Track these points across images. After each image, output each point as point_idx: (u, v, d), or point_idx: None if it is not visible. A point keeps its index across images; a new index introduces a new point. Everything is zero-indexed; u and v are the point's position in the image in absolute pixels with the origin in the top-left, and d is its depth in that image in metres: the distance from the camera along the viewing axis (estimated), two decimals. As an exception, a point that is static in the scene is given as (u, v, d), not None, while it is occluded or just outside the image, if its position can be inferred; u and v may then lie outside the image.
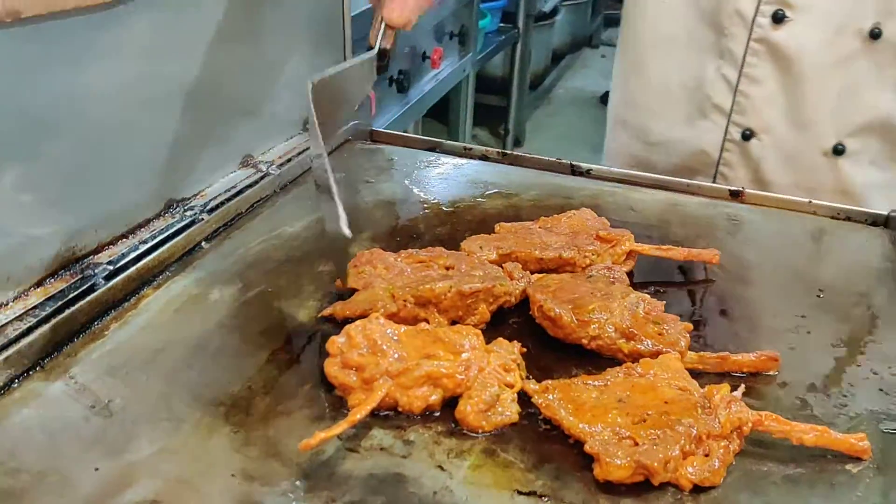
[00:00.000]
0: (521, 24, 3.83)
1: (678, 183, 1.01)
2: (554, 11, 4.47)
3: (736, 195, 0.99)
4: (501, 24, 3.75)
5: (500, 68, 4.01)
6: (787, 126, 1.07)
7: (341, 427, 0.57)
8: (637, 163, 1.17)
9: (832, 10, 1.00)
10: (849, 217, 0.96)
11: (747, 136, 1.09)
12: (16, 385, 0.63)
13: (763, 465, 0.58)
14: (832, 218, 0.96)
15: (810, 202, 0.98)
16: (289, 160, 0.96)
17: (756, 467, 0.58)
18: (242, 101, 0.91)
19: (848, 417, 0.63)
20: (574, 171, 1.04)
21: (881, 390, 0.67)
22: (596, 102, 4.64)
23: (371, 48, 0.77)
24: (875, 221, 0.95)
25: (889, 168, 1.08)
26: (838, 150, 1.06)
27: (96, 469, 0.56)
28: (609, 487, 0.56)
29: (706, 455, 0.57)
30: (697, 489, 0.55)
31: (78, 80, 0.68)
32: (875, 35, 1.00)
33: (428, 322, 0.69)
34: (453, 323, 0.71)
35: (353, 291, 0.72)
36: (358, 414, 0.58)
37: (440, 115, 3.48)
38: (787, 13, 1.01)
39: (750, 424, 0.58)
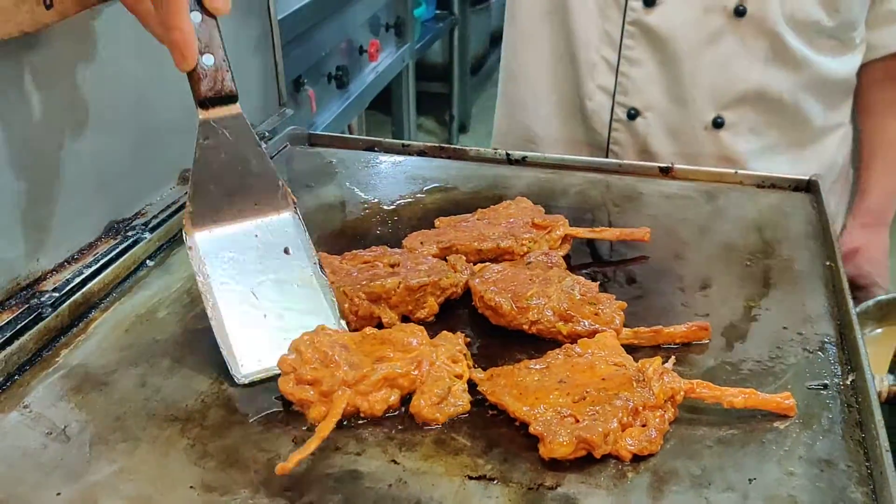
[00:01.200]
0: (456, 9, 3.84)
1: (610, 163, 1.04)
2: (490, -6, 4.47)
3: (666, 171, 1.03)
4: (437, 11, 3.76)
5: (440, 55, 4.02)
6: (668, 103, 1.14)
7: (313, 444, 0.58)
8: (528, 148, 1.21)
9: None
10: (773, 185, 1.01)
11: (632, 115, 1.14)
12: (-28, 417, 0.64)
13: (697, 430, 0.62)
14: (758, 186, 1.01)
15: (736, 173, 1.02)
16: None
17: (691, 432, 0.62)
18: (174, 118, 0.92)
19: (775, 377, 0.67)
20: (510, 160, 1.07)
21: (805, 349, 0.71)
22: (538, 82, 4.66)
23: None
24: (797, 187, 1.00)
25: (766, 134, 1.15)
26: (717, 123, 1.13)
27: (58, 494, 0.57)
28: (554, 464, 0.59)
29: (643, 425, 0.60)
30: (637, 458, 0.59)
31: (11, 108, 0.69)
32: (740, 12, 1.06)
33: (381, 318, 0.72)
34: (404, 318, 0.74)
35: None
36: (326, 430, 0.60)
37: (383, 106, 3.48)
38: None
39: (682, 393, 0.62)
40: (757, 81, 1.11)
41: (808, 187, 0.99)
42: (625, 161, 1.06)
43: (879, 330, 1.16)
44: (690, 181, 1.01)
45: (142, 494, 0.57)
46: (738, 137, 1.14)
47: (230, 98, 0.69)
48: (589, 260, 0.85)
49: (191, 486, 0.57)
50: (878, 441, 0.58)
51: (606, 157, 1.17)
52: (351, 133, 2.90)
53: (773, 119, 1.14)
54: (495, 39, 4.80)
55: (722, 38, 1.08)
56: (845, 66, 1.15)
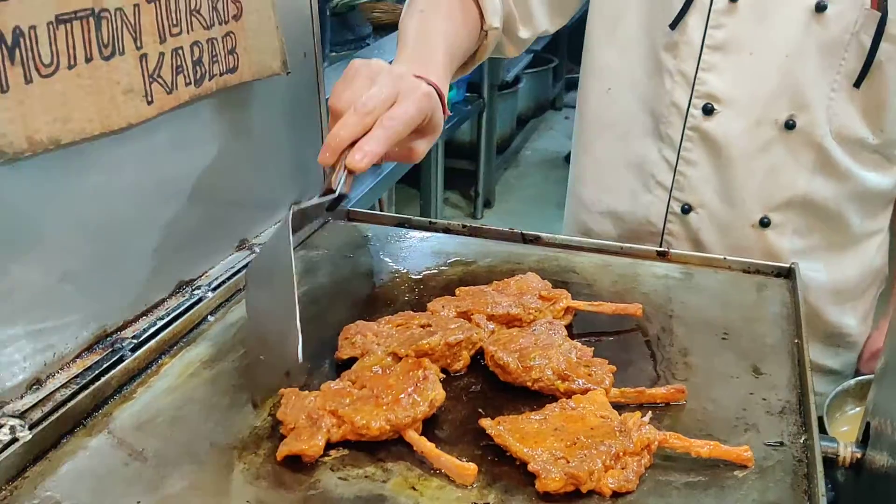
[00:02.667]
0: (485, 93, 4.04)
1: (612, 246, 1.18)
2: (517, 80, 4.70)
3: (663, 255, 1.16)
4: (467, 94, 3.96)
5: (468, 134, 4.22)
6: (719, 202, 1.23)
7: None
8: (591, 232, 1.34)
9: (752, 104, 1.17)
10: (758, 270, 1.13)
11: (686, 209, 1.25)
12: (65, 441, 0.77)
13: (669, 475, 0.74)
14: (744, 272, 1.13)
15: (725, 258, 1.15)
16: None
17: (663, 477, 0.73)
18: (236, 194, 1.07)
19: (739, 434, 0.79)
20: (524, 239, 1.20)
21: (767, 412, 0.82)
22: (561, 162, 4.86)
23: (331, 191, 0.85)
24: (779, 273, 1.12)
25: (809, 236, 1.25)
26: (764, 223, 1.22)
27: (138, 502, 0.70)
28: (547, 497, 0.70)
29: (623, 468, 0.72)
30: (616, 495, 0.70)
31: (108, 184, 0.84)
32: (790, 126, 1.16)
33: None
34: (443, 370, 0.86)
35: (350, 361, 0.87)
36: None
37: (412, 181, 3.66)
38: (716, 106, 1.18)
39: (657, 442, 0.74)
40: (803, 189, 1.20)
41: (787, 273, 1.12)
42: (625, 244, 1.19)
43: (859, 408, 1.26)
44: (683, 264, 1.14)
45: (206, 505, 0.70)
46: (783, 237, 1.23)
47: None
48: (588, 329, 0.98)
49: (247, 501, 0.70)
50: (818, 490, 0.70)
51: (661, 243, 1.28)
52: (381, 205, 3.07)
53: (815, 223, 1.24)
54: (521, 121, 5.02)
55: (772, 148, 1.18)
56: (887, 178, 1.24)
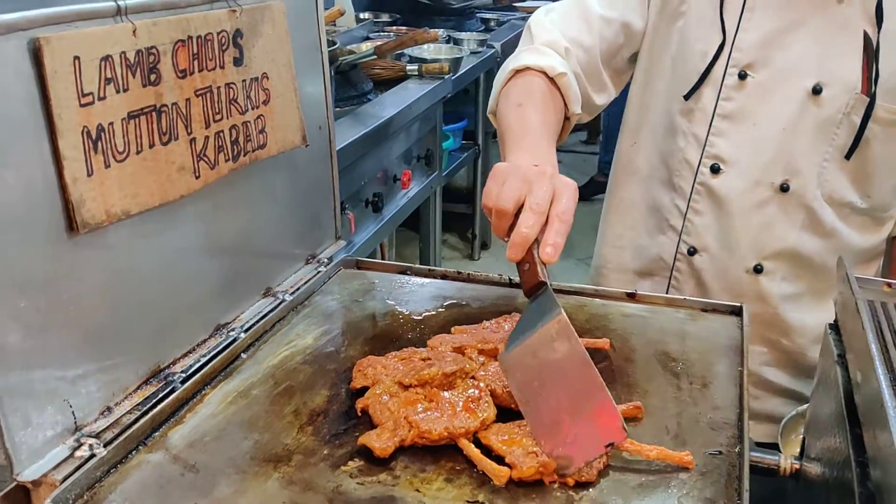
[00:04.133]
0: (480, 140, 4.24)
1: (587, 289, 1.35)
2: (510, 127, 4.88)
3: (631, 296, 1.34)
4: (463, 142, 4.16)
5: (464, 179, 4.42)
6: (719, 248, 1.42)
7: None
8: (614, 265, 1.57)
9: (753, 167, 1.36)
10: (714, 309, 1.31)
11: (692, 252, 1.45)
12: (131, 457, 0.94)
13: (625, 475, 0.90)
14: (701, 310, 1.31)
15: (685, 299, 1.32)
16: (297, 289, 1.29)
17: (620, 477, 0.90)
18: (262, 247, 1.25)
19: (685, 444, 0.96)
20: (512, 284, 1.38)
21: (710, 427, 0.99)
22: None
23: (541, 283, 0.97)
24: (733, 311, 1.30)
25: (797, 283, 1.43)
26: (758, 269, 1.41)
27: (195, 504, 0.87)
28: (524, 492, 0.87)
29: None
30: (578, 485, 0.87)
31: (164, 244, 1.02)
32: (784, 189, 1.36)
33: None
34: None
35: (362, 389, 1.04)
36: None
37: (412, 224, 3.83)
38: (722, 167, 1.38)
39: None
40: (792, 242, 1.38)
41: (739, 312, 1.29)
42: (599, 287, 1.37)
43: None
44: (649, 304, 1.32)
45: (250, 505, 0.86)
46: (773, 283, 1.42)
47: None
48: (564, 361, 1.15)
49: (283, 502, 0.87)
50: (744, 488, 0.87)
51: (668, 283, 1.49)
52: (383, 248, 3.26)
53: (803, 272, 1.41)
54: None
55: (767, 206, 1.37)
56: (872, 238, 1.41)
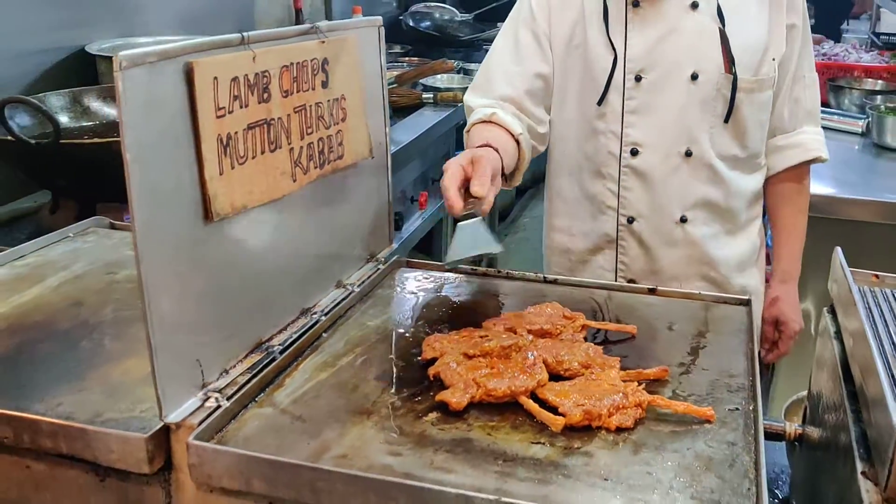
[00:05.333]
0: (489, 166, 4.40)
1: (612, 284, 1.55)
2: (515, 154, 5.09)
3: (652, 291, 1.53)
4: (473, 168, 4.33)
5: (472, 204, 4.58)
6: (651, 211, 1.78)
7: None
8: (565, 248, 1.90)
9: (662, 144, 1.73)
10: (725, 301, 1.50)
11: (630, 220, 1.80)
12: (246, 410, 1.12)
13: (658, 425, 1.09)
14: (714, 301, 1.50)
15: (700, 293, 1.52)
16: (363, 282, 1.48)
17: (655, 427, 1.09)
18: (335, 245, 1.44)
19: (708, 402, 1.15)
20: (545, 280, 1.58)
21: (727, 389, 1.19)
22: (557, 229, 5.22)
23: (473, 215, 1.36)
24: (741, 303, 1.49)
25: (713, 225, 1.81)
26: (683, 220, 1.78)
27: (308, 443, 1.05)
28: (576, 436, 1.06)
29: (623, 414, 1.08)
30: (619, 430, 1.06)
31: (269, 237, 1.21)
32: (688, 154, 1.73)
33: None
34: None
35: (432, 360, 1.23)
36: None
37: (425, 247, 4.01)
38: (639, 149, 1.75)
39: (647, 401, 1.10)
40: (703, 193, 1.76)
41: (746, 303, 1.49)
42: (625, 283, 1.57)
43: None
44: (667, 297, 1.51)
45: (353, 445, 1.04)
46: (696, 228, 1.79)
47: None
48: (598, 340, 1.34)
49: (380, 442, 1.05)
50: (759, 433, 1.06)
51: (616, 252, 1.82)
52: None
53: (716, 216, 1.79)
54: (520, 191, 5.43)
55: (679, 170, 1.74)
56: (755, 180, 1.83)
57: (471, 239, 1.39)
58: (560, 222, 1.92)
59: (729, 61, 1.68)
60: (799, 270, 1.92)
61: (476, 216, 1.36)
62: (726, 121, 1.71)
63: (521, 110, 1.76)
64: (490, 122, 1.68)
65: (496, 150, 1.49)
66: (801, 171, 1.86)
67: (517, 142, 1.67)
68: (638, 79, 1.71)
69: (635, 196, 1.77)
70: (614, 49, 1.71)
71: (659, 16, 1.69)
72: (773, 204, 1.90)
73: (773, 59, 1.73)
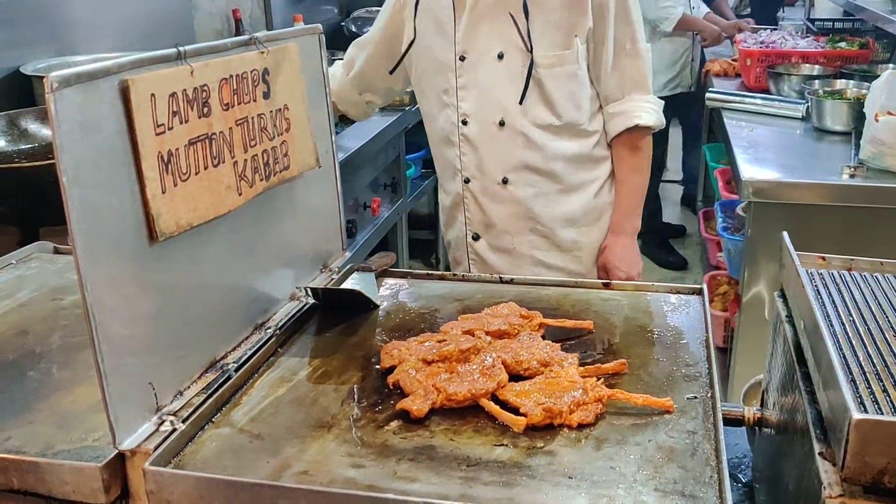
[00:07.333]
0: (440, 169, 4.41)
1: (567, 281, 1.56)
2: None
3: (607, 286, 1.54)
4: (423, 171, 4.36)
5: (426, 206, 4.61)
6: (479, 174, 2.04)
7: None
8: (444, 206, 2.21)
9: (481, 115, 1.99)
10: (678, 291, 1.52)
11: (467, 181, 2.07)
12: (203, 431, 1.10)
13: (619, 418, 1.10)
14: (668, 292, 1.52)
15: (653, 284, 1.53)
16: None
17: (615, 420, 1.09)
18: (287, 254, 1.42)
19: (666, 392, 1.16)
20: (502, 280, 1.58)
21: (685, 378, 1.20)
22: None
23: None
24: (693, 292, 1.51)
25: (535, 186, 2.03)
26: (505, 181, 2.03)
27: (268, 461, 1.03)
28: (538, 436, 1.06)
29: (584, 411, 1.08)
30: (581, 426, 1.06)
31: (216, 253, 1.19)
32: (502, 124, 1.98)
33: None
34: None
35: (391, 367, 1.21)
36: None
37: (383, 250, 3.99)
38: (468, 119, 2.01)
39: (607, 396, 1.10)
40: (520, 158, 2.00)
41: (699, 292, 1.50)
42: (579, 279, 1.57)
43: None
44: (622, 290, 1.52)
45: (314, 460, 1.03)
46: (519, 189, 2.03)
47: None
48: (556, 338, 1.34)
49: (342, 455, 1.04)
50: (718, 421, 1.07)
51: (462, 208, 2.11)
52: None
53: (535, 178, 2.02)
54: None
55: (496, 138, 2.00)
56: (577, 145, 2.03)
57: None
58: (441, 182, 2.22)
59: (526, 41, 1.91)
60: (635, 225, 2.12)
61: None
62: (524, 93, 1.94)
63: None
64: None
65: None
66: (632, 136, 2.04)
67: None
68: (462, 59, 1.98)
69: (468, 160, 2.04)
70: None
71: (473, 7, 1.95)
72: (615, 165, 2.11)
73: (576, 36, 1.92)
